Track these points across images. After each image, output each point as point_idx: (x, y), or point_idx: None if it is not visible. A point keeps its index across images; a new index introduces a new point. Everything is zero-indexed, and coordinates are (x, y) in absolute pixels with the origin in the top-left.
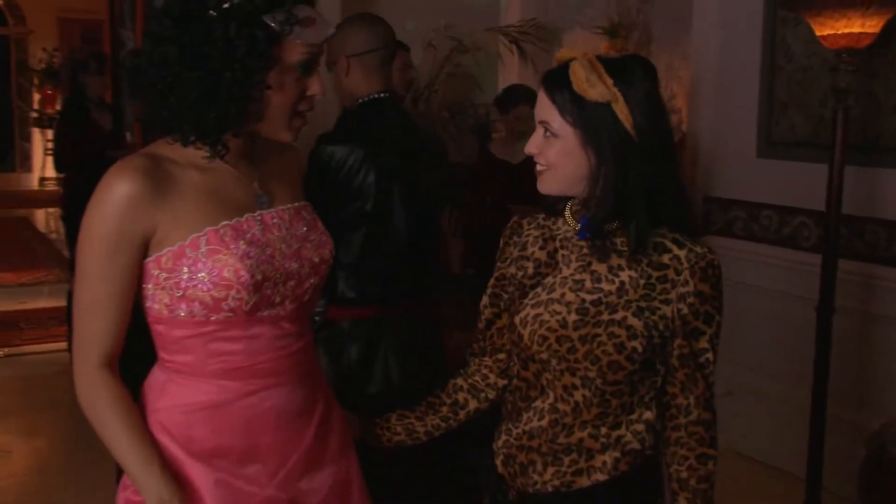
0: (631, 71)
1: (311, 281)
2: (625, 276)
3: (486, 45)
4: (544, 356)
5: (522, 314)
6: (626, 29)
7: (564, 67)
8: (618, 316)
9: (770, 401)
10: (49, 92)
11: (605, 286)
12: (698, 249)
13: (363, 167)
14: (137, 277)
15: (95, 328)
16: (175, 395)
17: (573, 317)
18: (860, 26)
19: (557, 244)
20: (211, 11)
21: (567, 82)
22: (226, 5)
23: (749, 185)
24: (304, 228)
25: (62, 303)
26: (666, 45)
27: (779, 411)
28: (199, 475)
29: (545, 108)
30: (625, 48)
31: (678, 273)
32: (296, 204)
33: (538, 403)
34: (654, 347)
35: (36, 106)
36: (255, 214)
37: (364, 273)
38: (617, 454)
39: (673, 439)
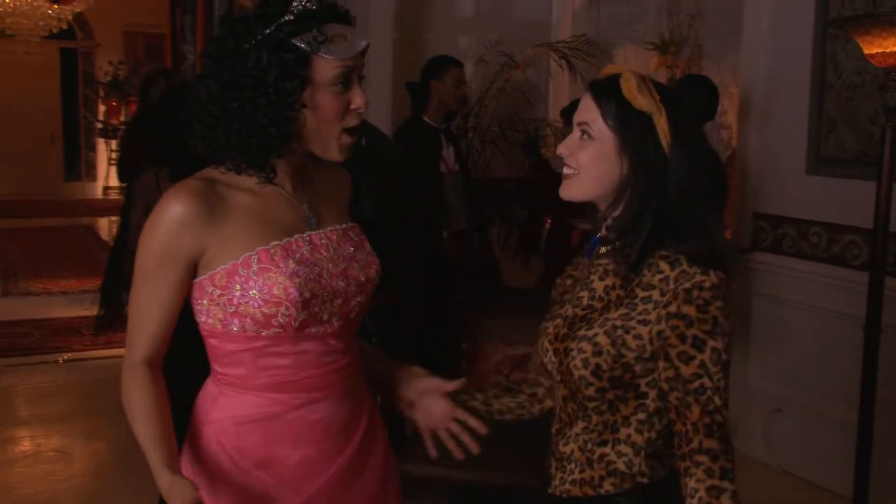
0: (674, 94)
1: (358, 299)
2: (614, 294)
3: (537, 61)
4: (549, 367)
5: (539, 327)
6: (677, 45)
7: (613, 78)
8: (591, 332)
9: (819, 419)
10: (114, 103)
11: (595, 303)
12: (690, 270)
13: None
14: (184, 291)
15: (141, 329)
16: (227, 406)
17: (563, 330)
18: None
19: (584, 264)
20: (245, 46)
21: (615, 90)
22: (258, 37)
23: (798, 201)
24: (352, 248)
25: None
26: (717, 61)
27: (827, 430)
28: (245, 480)
29: (588, 110)
30: (675, 64)
31: (663, 294)
32: (343, 225)
33: (555, 411)
34: (628, 367)
35: (101, 117)
36: (304, 235)
37: None
38: (601, 472)
39: (682, 469)
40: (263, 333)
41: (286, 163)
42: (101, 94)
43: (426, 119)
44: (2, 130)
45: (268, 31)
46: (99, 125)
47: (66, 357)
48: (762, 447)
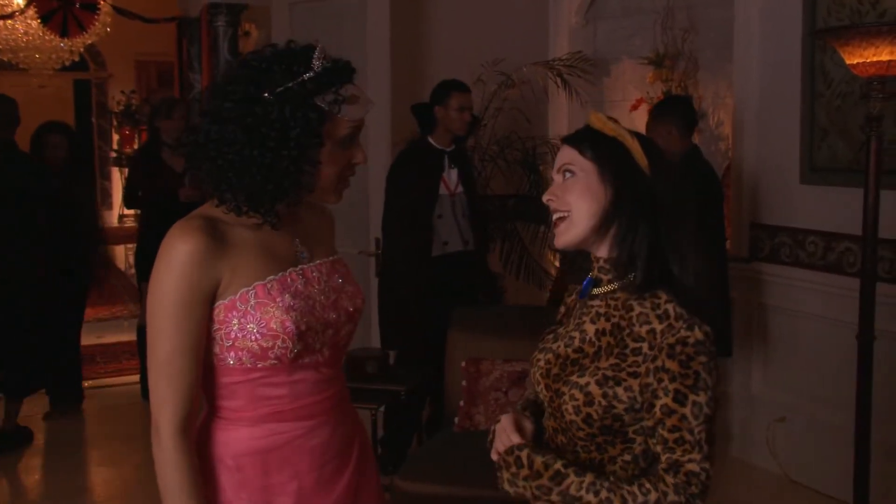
0: (638, 132)
1: (347, 328)
2: (605, 341)
3: (533, 79)
4: (542, 396)
5: (533, 355)
6: (672, 59)
7: (583, 127)
8: (582, 381)
9: (821, 427)
10: (127, 132)
11: (586, 347)
12: (676, 325)
13: None
14: (207, 332)
15: (171, 387)
16: (224, 442)
17: (555, 369)
18: (889, 54)
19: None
20: (266, 95)
21: (586, 129)
22: (280, 89)
23: (793, 211)
24: (340, 280)
25: (134, 337)
26: (713, 73)
27: (830, 437)
28: None
29: (566, 155)
30: (671, 77)
31: (651, 348)
32: (331, 258)
33: (544, 435)
34: (617, 417)
35: (115, 146)
36: (298, 269)
37: None
38: None
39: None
40: (259, 365)
41: (285, 204)
42: (115, 123)
43: (431, 141)
44: None
45: (290, 84)
46: (113, 154)
47: (84, 385)
48: (766, 455)
